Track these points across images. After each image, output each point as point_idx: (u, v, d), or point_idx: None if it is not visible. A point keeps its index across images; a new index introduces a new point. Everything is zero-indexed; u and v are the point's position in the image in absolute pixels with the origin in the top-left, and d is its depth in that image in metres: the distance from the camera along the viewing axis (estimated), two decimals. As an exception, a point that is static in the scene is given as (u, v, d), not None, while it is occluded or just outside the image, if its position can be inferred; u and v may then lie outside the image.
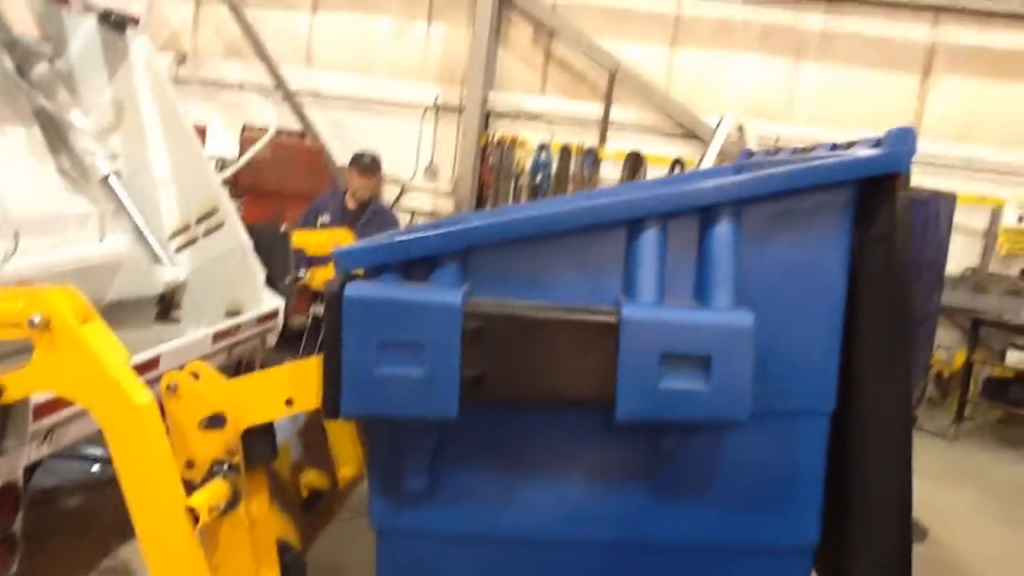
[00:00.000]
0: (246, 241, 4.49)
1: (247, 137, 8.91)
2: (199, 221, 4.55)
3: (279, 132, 10.17)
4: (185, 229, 4.57)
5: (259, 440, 2.33)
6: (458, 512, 2.31)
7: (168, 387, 2.22)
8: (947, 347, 9.31)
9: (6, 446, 2.61)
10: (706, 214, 2.14)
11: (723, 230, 2.14)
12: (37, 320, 2.17)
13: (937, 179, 8.21)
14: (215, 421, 2.22)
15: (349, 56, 10.58)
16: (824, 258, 2.20)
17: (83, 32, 4.49)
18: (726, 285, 2.12)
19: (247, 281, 4.48)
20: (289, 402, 2.25)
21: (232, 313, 4.37)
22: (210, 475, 2.19)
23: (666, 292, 2.14)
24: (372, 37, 10.60)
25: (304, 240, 4.79)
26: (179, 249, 4.56)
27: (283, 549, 2.64)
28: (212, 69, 10.53)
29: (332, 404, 2.08)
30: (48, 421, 2.74)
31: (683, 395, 2.02)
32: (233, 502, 2.19)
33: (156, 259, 4.47)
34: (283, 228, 4.71)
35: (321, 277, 4.59)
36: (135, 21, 4.45)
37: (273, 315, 4.47)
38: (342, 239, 4.72)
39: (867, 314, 2.20)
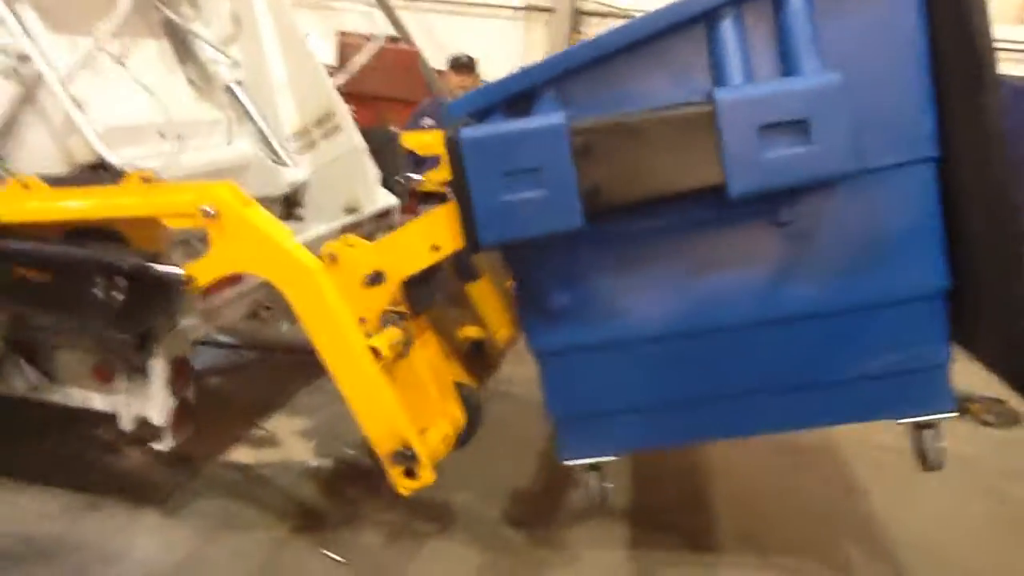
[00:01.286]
0: (361, 143, 4.75)
1: (343, 43, 9.11)
2: (317, 125, 4.82)
3: (369, 36, 10.42)
4: (304, 132, 4.85)
5: (417, 288, 2.65)
6: (602, 321, 2.55)
7: (329, 256, 2.53)
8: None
9: (181, 323, 2.99)
10: None
11: (795, 2, 2.26)
12: (209, 210, 2.50)
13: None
14: (375, 279, 2.53)
15: (439, -43, 10.65)
16: (897, 11, 2.30)
17: (200, -54, 4.73)
18: (809, 54, 2.25)
19: (363, 181, 4.77)
20: (435, 247, 2.54)
21: (350, 210, 4.67)
22: (382, 325, 2.51)
23: (753, 74, 2.28)
24: (462, -64, 10.62)
25: (413, 141, 5.02)
26: (299, 151, 4.85)
27: (459, 387, 2.96)
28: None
29: (472, 238, 2.37)
30: (212, 302, 3.12)
31: (788, 160, 2.19)
32: (407, 343, 2.52)
33: (279, 161, 4.77)
34: (393, 130, 4.95)
35: (434, 178, 4.84)
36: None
37: (388, 212, 4.77)
38: (448, 138, 4.94)
39: (947, 59, 2.29)
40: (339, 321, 2.43)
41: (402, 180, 4.92)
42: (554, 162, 2.25)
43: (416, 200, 5.55)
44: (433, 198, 4.66)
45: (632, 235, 2.48)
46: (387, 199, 4.79)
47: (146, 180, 2.78)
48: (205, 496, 3.54)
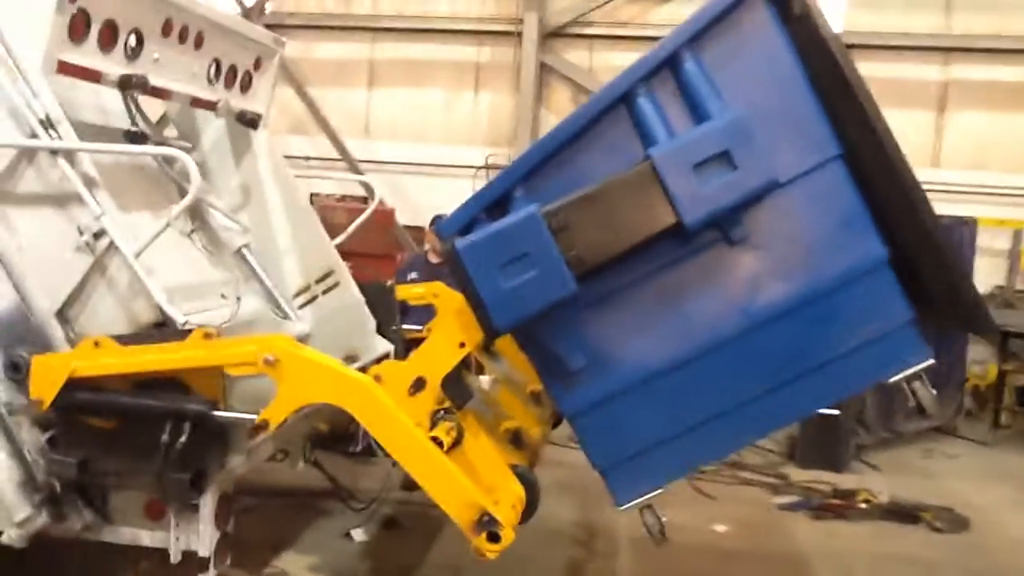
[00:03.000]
0: (359, 296, 5.23)
1: (317, 205, 9.71)
2: (318, 282, 5.31)
3: (343, 197, 11.10)
4: (306, 289, 5.32)
5: (455, 385, 3.08)
6: (617, 369, 2.91)
7: (375, 377, 2.99)
8: (980, 362, 9.86)
9: (230, 463, 3.36)
10: (673, 62, 2.77)
11: (690, 66, 2.78)
12: (271, 358, 2.96)
13: (958, 206, 8.88)
14: (418, 385, 2.96)
15: (404, 126, 11.53)
16: (773, 52, 2.80)
17: (212, 129, 5.29)
18: (713, 101, 2.75)
19: (361, 331, 5.21)
20: (462, 344, 2.97)
21: (350, 359, 5.08)
22: (433, 425, 2.94)
23: (675, 131, 2.77)
24: (424, 108, 11.55)
25: (405, 293, 5.52)
26: (302, 306, 5.30)
27: (514, 467, 3.31)
28: (280, 145, 11.46)
29: (488, 328, 2.80)
30: (255, 442, 3.50)
31: (723, 186, 2.66)
32: (460, 432, 2.93)
33: (284, 316, 5.22)
34: (388, 284, 5.46)
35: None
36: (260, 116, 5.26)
37: (385, 358, 5.21)
38: (437, 290, 5.44)
39: (817, 77, 2.77)
40: (402, 422, 2.86)
41: (395, 328, 5.39)
42: (539, 244, 2.69)
43: (407, 346, 6.01)
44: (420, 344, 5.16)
45: (621, 288, 2.88)
46: (384, 346, 5.23)
47: (208, 336, 3.21)
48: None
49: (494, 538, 2.85)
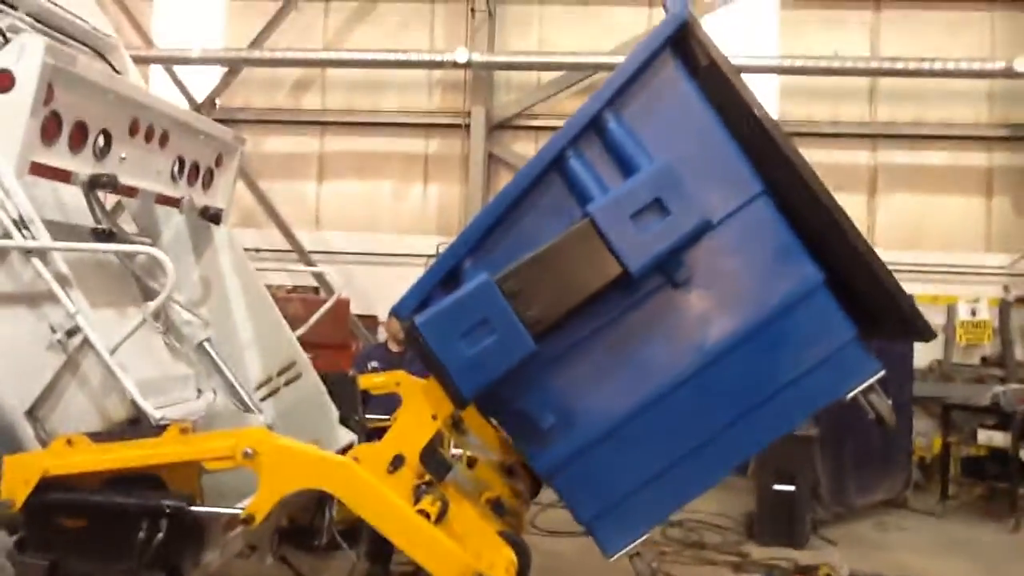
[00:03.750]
0: (321, 387, 5.26)
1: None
2: (280, 373, 5.32)
3: (294, 288, 11.12)
4: (268, 381, 5.32)
5: (433, 458, 3.11)
6: (586, 421, 2.97)
7: (353, 459, 3.03)
8: (924, 434, 10.13)
9: (205, 559, 3.33)
10: (596, 123, 2.93)
11: (613, 125, 2.93)
12: (249, 451, 2.98)
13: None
14: (396, 463, 2.99)
15: (354, 217, 11.67)
16: (686, 103, 2.97)
17: (172, 224, 5.35)
18: (639, 154, 2.90)
19: (324, 421, 5.21)
20: (434, 417, 3.02)
21: (314, 449, 5.09)
22: (417, 499, 2.96)
23: (607, 186, 2.90)
24: (374, 199, 11.74)
25: (367, 383, 5.56)
26: (264, 398, 5.30)
27: (504, 535, 3.28)
28: (229, 238, 11.49)
29: (456, 397, 2.86)
30: (230, 536, 3.48)
31: (660, 231, 2.80)
32: (445, 504, 2.96)
33: (247, 408, 5.21)
34: (351, 374, 5.49)
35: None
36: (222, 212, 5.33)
37: (349, 448, 5.21)
38: (399, 379, 5.48)
39: (731, 122, 2.94)
40: (387, 497, 2.90)
41: (358, 418, 5.40)
42: (495, 310, 2.77)
43: (367, 436, 6.01)
44: (381, 433, 5.21)
45: (579, 341, 2.97)
46: (347, 437, 5.23)
47: (184, 431, 3.22)
48: None
49: None
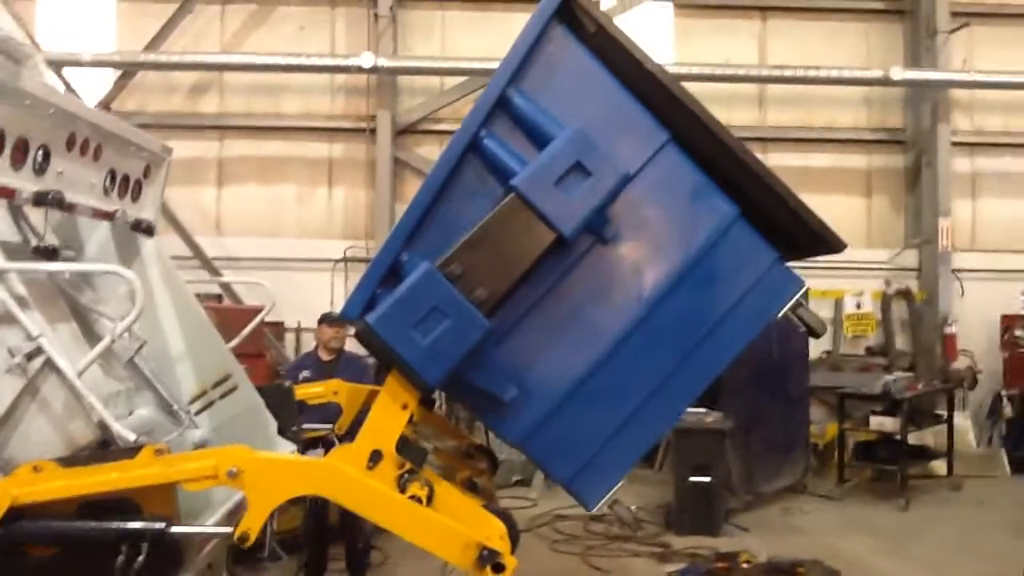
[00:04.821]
0: (258, 399, 5.21)
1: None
2: (215, 386, 5.24)
3: (197, 295, 10.82)
4: (203, 394, 5.24)
5: (409, 448, 3.15)
6: (547, 387, 3.08)
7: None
8: (818, 422, 10.71)
9: (187, 577, 3.30)
10: (502, 102, 3.03)
11: (519, 101, 3.06)
12: (233, 470, 3.00)
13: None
14: (375, 458, 3.03)
15: (257, 222, 11.45)
16: (582, 68, 3.09)
17: (97, 237, 5.19)
18: (549, 124, 3.02)
19: (261, 433, 5.16)
20: (405, 406, 3.06)
21: (253, 462, 5.05)
22: (403, 489, 3.01)
23: (525, 159, 2.99)
24: (277, 204, 11.56)
25: (304, 393, 5.54)
26: (199, 412, 5.21)
27: (489, 507, 3.33)
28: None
29: (422, 386, 2.94)
30: (204, 554, 3.46)
31: (586, 192, 2.91)
32: (431, 488, 3.02)
33: (181, 423, 5.11)
34: (287, 384, 5.47)
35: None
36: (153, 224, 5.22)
37: (288, 459, 5.19)
38: (336, 387, 5.50)
39: (627, 79, 3.08)
40: (378, 489, 2.96)
41: (295, 429, 5.38)
42: (443, 296, 2.85)
43: (303, 447, 5.99)
44: (316, 443, 5.26)
45: (528, 311, 3.07)
46: (286, 447, 5.20)
47: (159, 452, 3.17)
48: None
49: (499, 568, 2.92)
